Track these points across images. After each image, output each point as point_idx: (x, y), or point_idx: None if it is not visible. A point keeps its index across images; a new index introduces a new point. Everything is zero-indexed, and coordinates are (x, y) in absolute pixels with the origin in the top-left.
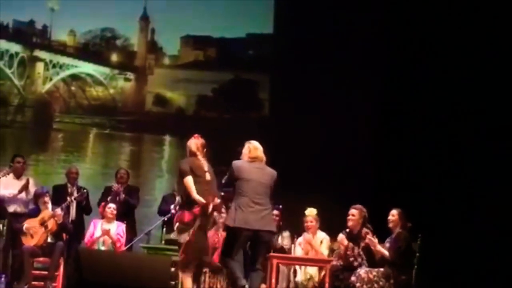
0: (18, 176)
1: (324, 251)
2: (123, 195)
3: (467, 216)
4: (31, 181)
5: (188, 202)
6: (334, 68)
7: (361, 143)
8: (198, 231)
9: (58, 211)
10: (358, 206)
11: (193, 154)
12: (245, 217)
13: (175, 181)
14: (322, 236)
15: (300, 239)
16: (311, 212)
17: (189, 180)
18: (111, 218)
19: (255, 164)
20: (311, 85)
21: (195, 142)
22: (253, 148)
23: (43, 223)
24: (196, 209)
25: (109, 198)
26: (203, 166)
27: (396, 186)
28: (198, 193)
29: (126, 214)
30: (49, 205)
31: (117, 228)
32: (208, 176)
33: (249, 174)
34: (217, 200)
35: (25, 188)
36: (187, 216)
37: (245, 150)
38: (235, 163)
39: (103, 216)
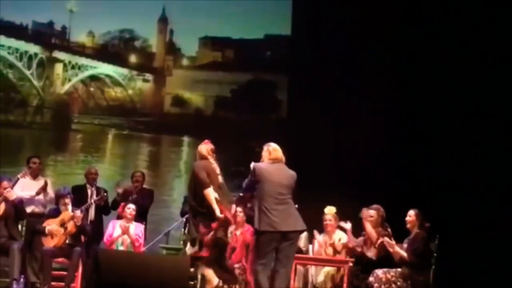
0: (34, 177)
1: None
2: (135, 195)
3: (485, 216)
4: (48, 182)
5: (206, 212)
6: (352, 68)
7: (378, 143)
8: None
9: (78, 213)
10: (376, 206)
11: (205, 158)
12: (270, 220)
13: None
14: (340, 235)
15: (320, 239)
16: (330, 211)
17: (210, 193)
18: (130, 218)
19: (276, 165)
20: (329, 86)
21: (205, 147)
22: (273, 150)
23: (62, 224)
24: (214, 224)
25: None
26: (215, 170)
27: (414, 186)
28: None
29: (138, 215)
30: (69, 207)
31: (136, 229)
32: (220, 179)
33: (271, 176)
34: (231, 212)
35: (43, 190)
36: (202, 230)
37: (264, 153)
38: (256, 165)
39: (122, 217)
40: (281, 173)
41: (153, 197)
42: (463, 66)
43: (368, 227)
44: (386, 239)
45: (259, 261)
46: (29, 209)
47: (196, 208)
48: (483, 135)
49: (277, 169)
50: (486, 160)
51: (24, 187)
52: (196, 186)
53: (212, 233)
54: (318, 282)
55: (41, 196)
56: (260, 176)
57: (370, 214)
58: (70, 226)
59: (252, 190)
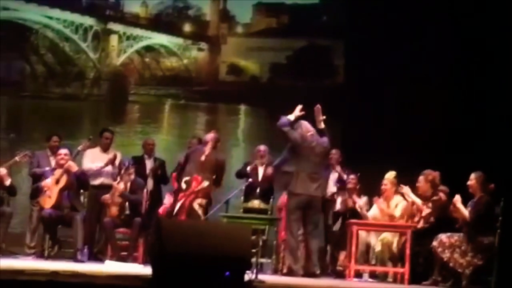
0: (105, 150)
1: (397, 212)
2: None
3: None
4: (118, 156)
5: None
6: (409, 31)
7: (439, 105)
8: None
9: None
10: (426, 171)
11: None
12: (302, 184)
13: (250, 150)
14: (398, 200)
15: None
16: (389, 176)
17: None
18: None
19: (310, 134)
20: (386, 49)
21: (210, 136)
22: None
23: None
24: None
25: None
26: (203, 152)
27: (478, 147)
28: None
29: None
30: (132, 177)
31: None
32: (203, 158)
33: (304, 143)
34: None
35: (111, 162)
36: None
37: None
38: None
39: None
40: (315, 141)
41: None
42: None
43: (411, 196)
44: (457, 204)
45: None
46: (98, 181)
47: None
48: None
49: (311, 138)
50: None
51: (95, 159)
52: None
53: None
54: (376, 251)
55: (110, 168)
56: (298, 142)
57: (417, 181)
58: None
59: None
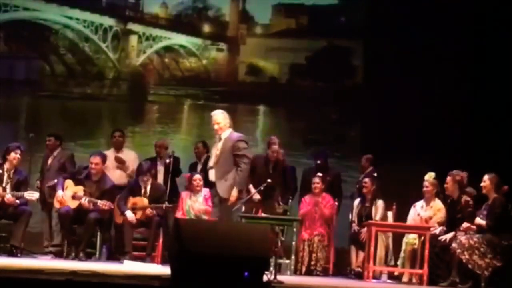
0: (118, 150)
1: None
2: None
3: None
4: (134, 155)
5: None
6: (428, 32)
7: (456, 107)
8: None
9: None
10: (454, 171)
11: None
12: None
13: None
14: (439, 206)
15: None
16: (429, 177)
17: None
18: (198, 190)
19: None
20: (405, 50)
21: None
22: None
23: (134, 208)
24: None
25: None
26: None
27: (493, 149)
28: None
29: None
30: (149, 183)
31: (204, 197)
32: None
33: None
34: None
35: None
36: None
37: (226, 119)
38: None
39: (189, 189)
40: None
41: None
42: None
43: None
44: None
45: None
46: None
47: None
48: None
49: None
50: None
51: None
52: None
53: None
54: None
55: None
56: None
57: (445, 181)
58: (139, 214)
59: None
